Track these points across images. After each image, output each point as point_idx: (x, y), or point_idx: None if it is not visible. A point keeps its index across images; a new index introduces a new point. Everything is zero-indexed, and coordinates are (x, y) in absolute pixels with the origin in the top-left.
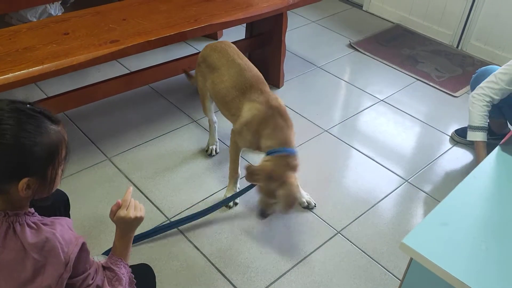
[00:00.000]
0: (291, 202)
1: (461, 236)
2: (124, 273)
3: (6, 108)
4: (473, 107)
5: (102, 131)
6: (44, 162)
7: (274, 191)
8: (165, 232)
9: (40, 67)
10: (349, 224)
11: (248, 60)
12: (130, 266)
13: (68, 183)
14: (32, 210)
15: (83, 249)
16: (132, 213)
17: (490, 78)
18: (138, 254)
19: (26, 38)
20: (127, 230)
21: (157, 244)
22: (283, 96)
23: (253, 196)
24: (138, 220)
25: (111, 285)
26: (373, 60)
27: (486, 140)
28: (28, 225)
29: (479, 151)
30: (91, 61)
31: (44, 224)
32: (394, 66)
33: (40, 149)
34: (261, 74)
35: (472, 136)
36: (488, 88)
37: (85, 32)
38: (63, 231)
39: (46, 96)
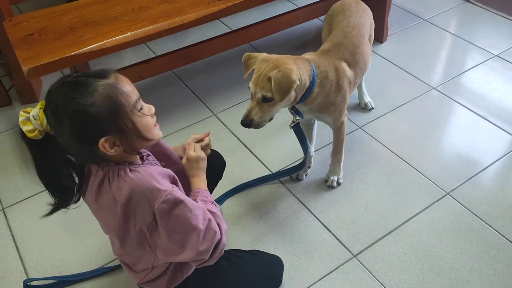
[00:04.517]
0: (284, 84)
1: None
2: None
3: (52, 89)
4: None
5: (207, 89)
6: (109, 118)
7: (267, 75)
8: (270, 185)
9: (155, 25)
10: (459, 185)
11: (363, 36)
12: (263, 253)
13: (177, 137)
14: (138, 161)
15: (176, 204)
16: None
17: None
18: (247, 201)
19: None
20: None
21: (263, 196)
22: (386, 51)
23: (353, 153)
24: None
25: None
26: (486, 12)
27: None
28: (118, 175)
29: None
30: (201, 19)
31: (133, 172)
32: (511, 18)
33: (97, 108)
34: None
35: None
36: None
37: None
38: (148, 182)
39: (155, 55)
